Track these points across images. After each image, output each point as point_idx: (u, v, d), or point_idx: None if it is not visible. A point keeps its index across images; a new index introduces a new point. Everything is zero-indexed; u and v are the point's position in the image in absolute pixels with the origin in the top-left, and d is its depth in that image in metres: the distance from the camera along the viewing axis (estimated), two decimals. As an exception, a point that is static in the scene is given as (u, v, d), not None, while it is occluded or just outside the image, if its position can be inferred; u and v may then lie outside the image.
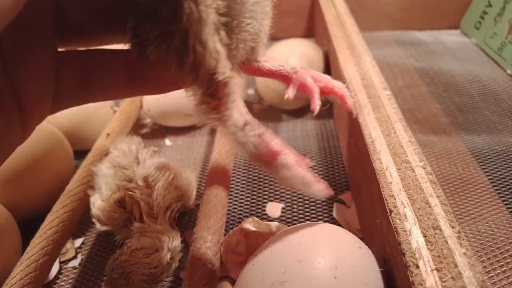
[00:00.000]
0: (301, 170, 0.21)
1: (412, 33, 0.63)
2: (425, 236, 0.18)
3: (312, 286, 0.18)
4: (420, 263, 0.17)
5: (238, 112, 0.20)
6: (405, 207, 0.20)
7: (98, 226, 0.31)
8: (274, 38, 0.30)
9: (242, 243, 0.26)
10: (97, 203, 0.30)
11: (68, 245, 0.33)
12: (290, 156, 0.21)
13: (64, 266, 0.31)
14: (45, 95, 0.18)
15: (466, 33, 0.62)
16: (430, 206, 0.20)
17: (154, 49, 0.17)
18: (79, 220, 0.33)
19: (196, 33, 0.16)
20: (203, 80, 0.18)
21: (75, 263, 0.31)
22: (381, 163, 0.23)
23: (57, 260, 0.31)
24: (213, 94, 0.19)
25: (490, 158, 0.37)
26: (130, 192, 0.29)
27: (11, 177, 0.32)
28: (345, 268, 0.19)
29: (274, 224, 0.25)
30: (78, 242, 0.33)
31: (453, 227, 0.19)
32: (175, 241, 0.29)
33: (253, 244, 0.26)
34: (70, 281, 0.30)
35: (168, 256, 0.27)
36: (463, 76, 0.51)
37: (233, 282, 0.26)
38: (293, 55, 0.43)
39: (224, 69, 0.18)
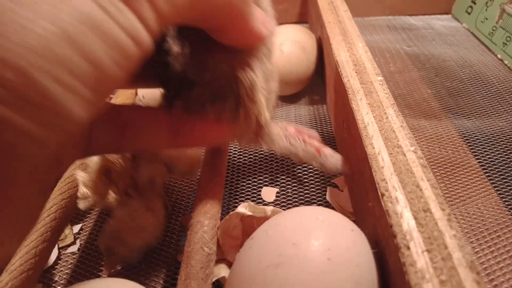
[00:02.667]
0: (338, 155, 0.29)
1: (403, 18, 0.64)
2: (416, 219, 0.19)
3: (306, 268, 0.19)
4: (411, 245, 0.18)
5: (278, 136, 0.27)
6: (396, 191, 0.21)
7: (82, 203, 0.31)
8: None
9: (238, 227, 0.26)
10: (80, 174, 0.30)
11: (67, 231, 0.33)
12: (327, 148, 0.29)
13: (63, 252, 0.32)
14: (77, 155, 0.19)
15: (457, 18, 0.62)
16: (421, 190, 0.21)
17: (203, 107, 0.22)
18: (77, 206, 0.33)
19: (249, 95, 0.21)
20: (250, 126, 0.23)
21: (74, 248, 0.32)
22: (373, 148, 0.24)
23: (56, 246, 0.32)
24: (257, 133, 0.25)
25: (479, 142, 0.38)
26: (114, 162, 0.30)
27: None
28: (338, 250, 0.19)
29: (269, 208, 0.26)
30: (76, 228, 0.34)
31: (443, 210, 0.19)
32: (159, 208, 0.29)
33: (249, 228, 0.26)
34: (69, 266, 0.30)
35: (152, 219, 0.28)
36: (453, 61, 0.51)
37: (230, 264, 0.27)
38: (286, 41, 0.43)
39: (266, 114, 0.24)
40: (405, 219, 0.19)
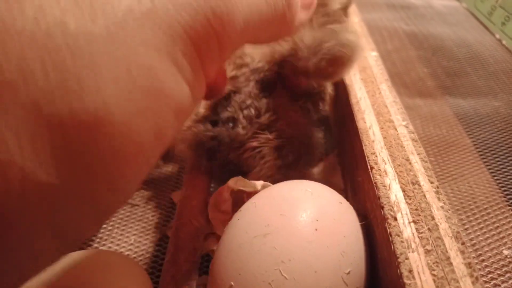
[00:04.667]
0: None
1: (403, -3, 0.63)
2: (404, 191, 0.19)
3: (294, 237, 0.19)
4: (398, 216, 0.18)
5: None
6: (385, 164, 0.21)
7: None
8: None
9: (228, 202, 0.26)
10: None
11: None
12: None
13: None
14: None
15: (457, -3, 0.61)
16: (410, 163, 0.21)
17: None
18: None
19: None
20: None
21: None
22: (365, 123, 0.24)
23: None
24: None
25: (474, 121, 0.38)
26: None
27: None
28: (325, 221, 0.19)
29: (259, 182, 0.25)
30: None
31: (432, 183, 0.19)
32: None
33: (239, 202, 0.26)
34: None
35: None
36: (451, 40, 0.51)
37: (219, 238, 0.27)
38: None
39: None
40: (393, 191, 0.19)
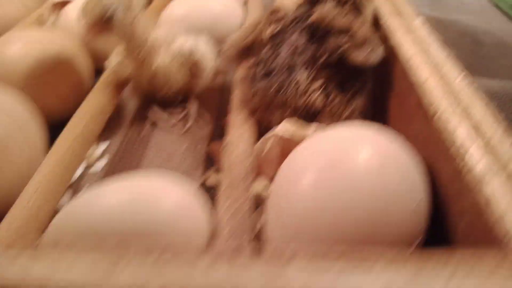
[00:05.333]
0: None
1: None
2: (469, 131, 0.19)
3: (356, 173, 0.18)
4: (468, 153, 0.18)
5: None
6: (448, 110, 0.21)
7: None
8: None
9: (276, 149, 0.26)
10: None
11: (93, 147, 0.33)
12: None
13: (89, 169, 0.31)
14: None
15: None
16: (473, 108, 0.21)
17: None
18: (106, 122, 0.33)
19: None
20: None
21: (101, 164, 0.32)
22: (420, 75, 0.24)
23: (83, 162, 0.32)
24: None
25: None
26: None
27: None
28: (389, 159, 0.19)
29: (312, 126, 0.25)
30: (103, 145, 0.34)
31: (496, 127, 0.19)
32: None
33: (288, 149, 0.26)
34: (95, 183, 0.30)
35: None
36: (476, 27, 0.51)
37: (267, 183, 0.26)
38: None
39: None
40: (459, 132, 0.19)
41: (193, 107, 0.35)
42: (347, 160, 0.19)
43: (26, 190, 0.24)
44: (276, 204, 0.21)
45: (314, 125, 0.25)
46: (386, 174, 0.19)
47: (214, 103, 0.38)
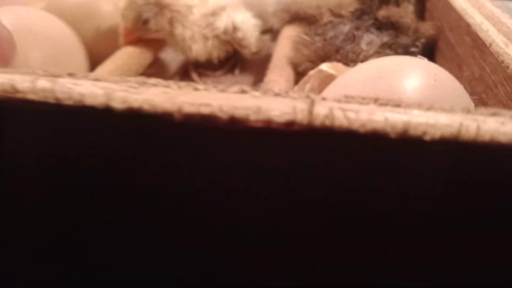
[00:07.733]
0: None
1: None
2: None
3: (409, 81, 0.18)
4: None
5: None
6: (506, 45, 0.20)
7: None
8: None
9: (320, 85, 0.26)
10: None
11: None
12: None
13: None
14: None
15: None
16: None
17: None
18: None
19: None
20: None
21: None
22: (476, 19, 0.23)
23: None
24: None
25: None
26: None
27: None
28: (442, 75, 0.19)
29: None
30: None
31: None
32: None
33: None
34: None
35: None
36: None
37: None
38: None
39: None
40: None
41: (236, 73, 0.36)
42: (397, 79, 0.19)
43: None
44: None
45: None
46: (440, 87, 0.18)
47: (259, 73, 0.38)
